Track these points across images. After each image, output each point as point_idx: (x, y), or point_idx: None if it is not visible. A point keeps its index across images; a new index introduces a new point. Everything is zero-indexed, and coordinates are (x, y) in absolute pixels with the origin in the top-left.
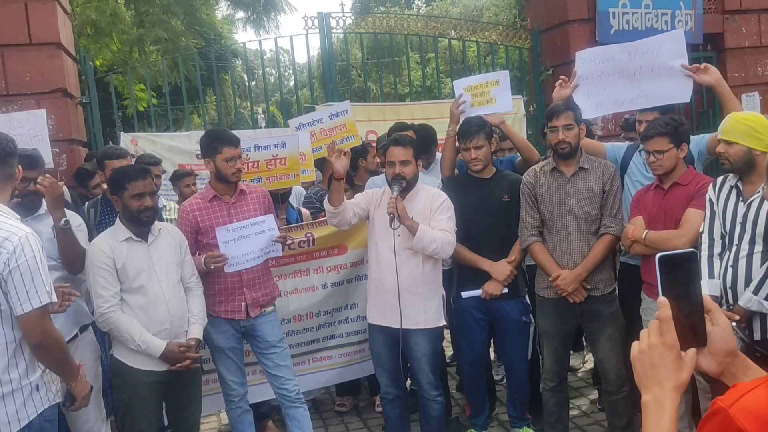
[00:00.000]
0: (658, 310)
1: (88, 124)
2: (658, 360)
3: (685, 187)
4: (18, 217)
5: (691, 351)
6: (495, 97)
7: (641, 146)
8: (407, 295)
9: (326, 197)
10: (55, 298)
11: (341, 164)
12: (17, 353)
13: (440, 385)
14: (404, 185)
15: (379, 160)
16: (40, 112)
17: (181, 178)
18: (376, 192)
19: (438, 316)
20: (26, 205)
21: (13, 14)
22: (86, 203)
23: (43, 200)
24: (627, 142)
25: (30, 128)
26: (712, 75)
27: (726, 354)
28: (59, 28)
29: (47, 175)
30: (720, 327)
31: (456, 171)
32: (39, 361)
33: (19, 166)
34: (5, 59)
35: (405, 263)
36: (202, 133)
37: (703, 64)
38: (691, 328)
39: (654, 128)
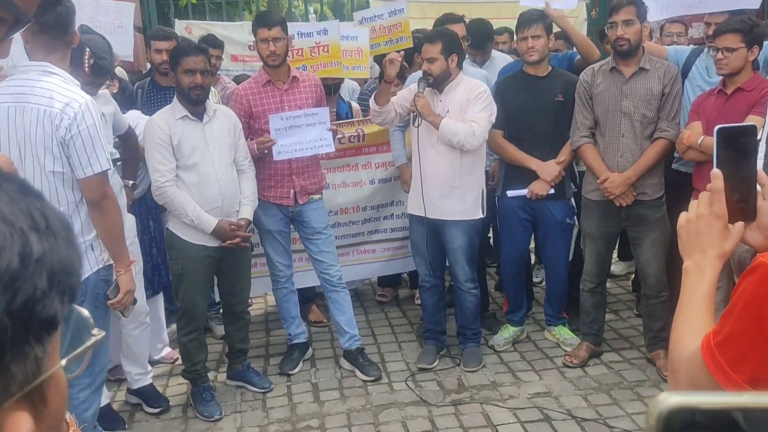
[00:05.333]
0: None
1: (143, 11)
2: (705, 229)
3: (748, 93)
4: (78, 83)
5: (739, 223)
6: None
7: (705, 50)
8: (443, 188)
9: (373, 96)
10: (112, 166)
11: (393, 69)
12: (74, 213)
13: (476, 279)
14: (431, 81)
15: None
16: (130, 4)
17: None
18: (412, 88)
19: (475, 209)
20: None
21: None
22: (136, 84)
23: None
24: (691, 46)
25: (115, 18)
26: None
27: None
28: None
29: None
30: None
31: None
32: (94, 226)
33: (77, 31)
34: None
35: (441, 156)
36: None
37: None
38: (741, 202)
39: (728, 24)
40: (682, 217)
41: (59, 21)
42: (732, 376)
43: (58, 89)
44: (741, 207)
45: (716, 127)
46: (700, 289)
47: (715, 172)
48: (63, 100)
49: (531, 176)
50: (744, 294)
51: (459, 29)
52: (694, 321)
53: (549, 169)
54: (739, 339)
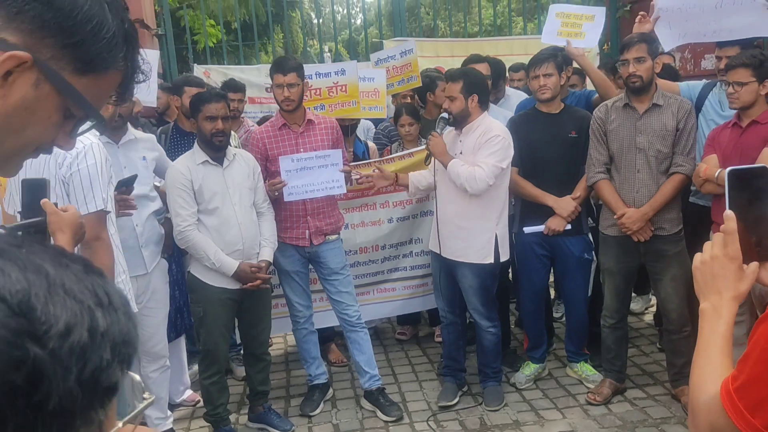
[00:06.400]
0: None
1: (162, 55)
2: (719, 270)
3: (764, 125)
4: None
5: (753, 264)
6: (586, 32)
7: (718, 84)
8: (452, 228)
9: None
10: (110, 209)
11: (382, 183)
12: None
13: (494, 318)
14: (450, 120)
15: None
16: (154, 52)
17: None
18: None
19: (485, 254)
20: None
21: None
22: (159, 129)
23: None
24: (703, 81)
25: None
26: None
27: None
28: None
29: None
30: None
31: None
32: None
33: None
34: None
35: (452, 196)
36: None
37: None
38: (755, 243)
39: (738, 58)
40: (697, 258)
41: None
42: (752, 422)
43: None
44: (755, 247)
45: (727, 169)
46: (718, 332)
47: (728, 213)
48: None
49: (547, 212)
50: (760, 340)
51: (483, 69)
52: (712, 364)
53: (565, 205)
54: (758, 384)
